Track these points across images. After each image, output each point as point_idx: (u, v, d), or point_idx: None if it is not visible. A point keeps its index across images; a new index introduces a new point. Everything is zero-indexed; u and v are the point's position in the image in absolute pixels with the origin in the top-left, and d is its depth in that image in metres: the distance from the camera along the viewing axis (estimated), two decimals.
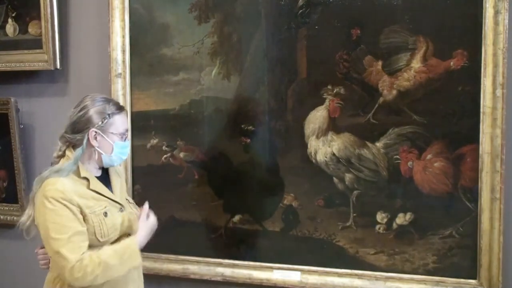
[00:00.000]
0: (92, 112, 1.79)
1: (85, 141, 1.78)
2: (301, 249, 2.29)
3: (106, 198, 1.83)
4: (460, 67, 2.06)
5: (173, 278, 2.45)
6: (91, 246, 1.74)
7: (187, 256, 2.41)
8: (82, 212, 1.74)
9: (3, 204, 2.73)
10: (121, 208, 1.86)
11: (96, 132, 1.79)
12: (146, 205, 1.90)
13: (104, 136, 1.80)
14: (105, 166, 1.88)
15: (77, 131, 1.79)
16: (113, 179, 1.93)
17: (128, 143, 1.91)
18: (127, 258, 1.74)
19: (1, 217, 2.72)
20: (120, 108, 1.85)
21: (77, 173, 1.79)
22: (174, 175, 2.44)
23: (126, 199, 1.96)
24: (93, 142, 1.79)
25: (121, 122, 1.84)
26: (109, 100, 1.86)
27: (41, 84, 2.67)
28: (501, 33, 1.98)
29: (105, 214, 1.78)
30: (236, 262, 2.37)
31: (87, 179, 1.80)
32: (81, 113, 1.79)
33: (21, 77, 2.67)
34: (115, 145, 1.82)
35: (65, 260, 1.67)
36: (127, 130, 1.88)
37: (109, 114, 1.80)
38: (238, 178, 2.36)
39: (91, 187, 1.79)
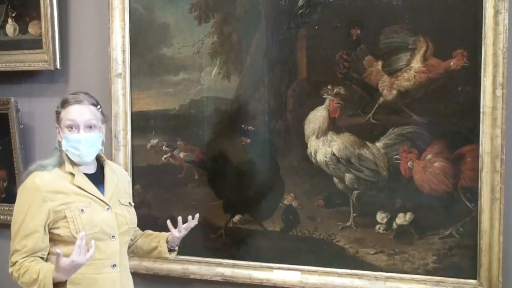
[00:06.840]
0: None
1: (56, 138, 1.89)
2: (301, 249, 2.29)
3: (90, 195, 1.83)
4: (460, 67, 2.06)
5: (173, 278, 2.45)
6: (69, 242, 1.75)
7: (187, 256, 2.40)
8: (54, 209, 1.77)
9: (3, 204, 2.73)
10: (107, 208, 1.85)
11: (57, 128, 1.87)
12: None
13: (60, 132, 1.86)
14: (75, 161, 1.86)
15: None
16: (108, 178, 1.92)
17: (79, 136, 1.81)
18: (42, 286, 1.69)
19: (1, 217, 2.72)
20: (68, 102, 1.84)
21: (63, 168, 1.86)
22: (174, 175, 2.44)
23: (119, 201, 1.92)
24: (59, 138, 1.88)
25: (67, 114, 1.83)
26: (67, 96, 1.89)
27: (41, 84, 2.67)
28: (501, 33, 1.98)
29: (82, 210, 1.79)
30: (236, 262, 2.36)
31: (73, 174, 1.84)
32: None
33: (21, 77, 2.67)
34: (63, 138, 1.84)
35: (12, 251, 1.79)
36: (75, 122, 1.81)
37: (57, 111, 1.87)
38: (238, 178, 2.36)
39: (74, 182, 1.82)
